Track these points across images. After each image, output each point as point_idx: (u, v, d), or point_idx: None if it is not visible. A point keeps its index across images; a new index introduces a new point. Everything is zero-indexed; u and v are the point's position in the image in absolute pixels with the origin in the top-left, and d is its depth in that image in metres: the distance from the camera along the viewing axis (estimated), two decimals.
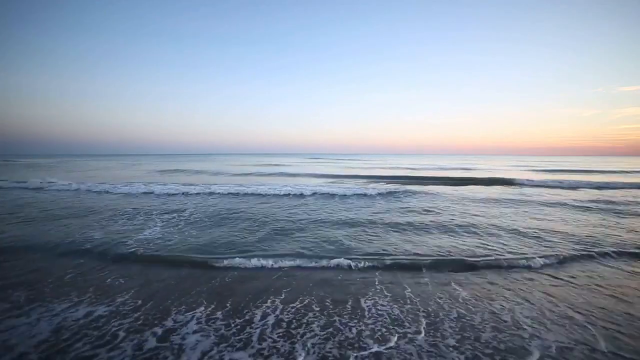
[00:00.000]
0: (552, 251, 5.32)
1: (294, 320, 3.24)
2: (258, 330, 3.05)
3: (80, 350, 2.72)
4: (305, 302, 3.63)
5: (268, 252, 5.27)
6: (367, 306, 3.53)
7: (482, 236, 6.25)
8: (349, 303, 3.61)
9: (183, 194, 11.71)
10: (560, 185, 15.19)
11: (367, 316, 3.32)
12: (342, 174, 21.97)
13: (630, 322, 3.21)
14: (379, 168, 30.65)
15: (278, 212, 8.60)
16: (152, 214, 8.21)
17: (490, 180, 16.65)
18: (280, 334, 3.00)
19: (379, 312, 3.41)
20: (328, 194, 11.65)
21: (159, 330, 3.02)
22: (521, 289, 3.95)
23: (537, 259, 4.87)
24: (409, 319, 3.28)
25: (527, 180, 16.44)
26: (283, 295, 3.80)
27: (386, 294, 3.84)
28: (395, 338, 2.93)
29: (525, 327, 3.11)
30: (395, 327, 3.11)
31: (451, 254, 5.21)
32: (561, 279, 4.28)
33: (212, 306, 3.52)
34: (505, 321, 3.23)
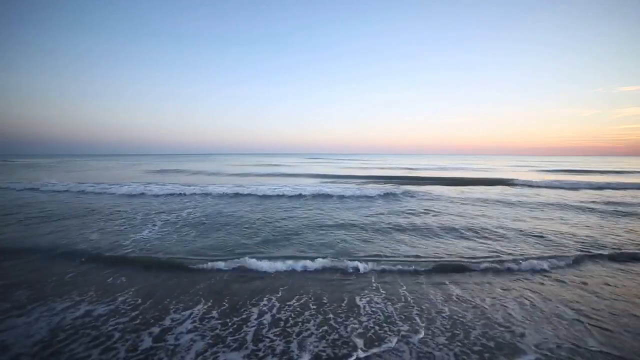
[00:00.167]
0: (551, 252, 5.32)
1: (290, 319, 3.28)
2: (253, 329, 3.08)
3: (78, 349, 2.77)
4: (302, 301, 3.67)
5: (266, 253, 5.27)
6: (362, 304, 3.58)
7: (481, 237, 6.26)
8: (345, 302, 3.65)
9: (180, 194, 11.70)
10: (560, 186, 15.15)
11: (363, 313, 3.37)
12: (341, 174, 22.00)
13: (630, 322, 3.24)
14: (379, 168, 30.69)
15: (276, 213, 8.61)
16: (149, 215, 8.24)
17: (490, 180, 16.67)
18: (277, 333, 3.03)
19: (373, 310, 3.45)
20: (326, 194, 11.62)
21: (156, 330, 3.06)
22: (517, 289, 3.98)
23: (534, 260, 4.88)
24: (403, 317, 3.31)
25: (527, 180, 16.45)
26: (280, 293, 3.85)
27: (383, 294, 3.87)
28: (395, 340, 2.96)
29: (517, 324, 3.15)
30: (390, 326, 3.14)
31: (449, 255, 5.22)
32: (559, 280, 4.29)
33: (210, 305, 3.55)
34: (503, 323, 3.26)
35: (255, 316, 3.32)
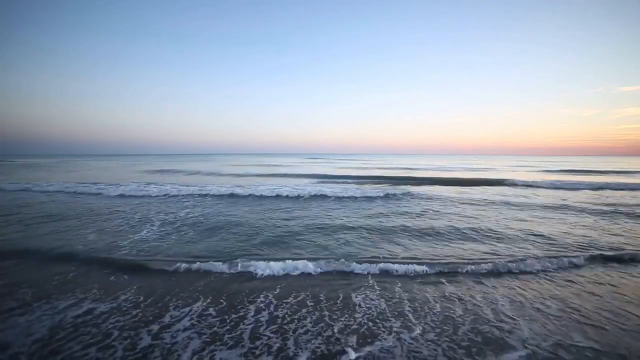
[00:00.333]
0: (548, 253, 5.33)
1: (287, 315, 3.33)
2: (251, 327, 3.14)
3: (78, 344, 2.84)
4: (299, 298, 3.72)
5: (263, 255, 5.22)
6: (358, 301, 3.64)
7: (478, 238, 6.25)
8: (341, 300, 3.70)
9: (178, 195, 11.66)
10: (560, 186, 15.14)
11: (359, 311, 3.43)
12: (340, 174, 21.98)
13: (620, 320, 3.30)
14: (378, 168, 30.67)
15: (274, 214, 8.59)
16: (148, 216, 8.27)
17: (489, 181, 16.63)
18: (274, 330, 3.09)
19: (370, 310, 3.50)
20: (325, 195, 11.59)
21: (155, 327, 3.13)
22: (514, 290, 4.01)
23: (530, 260, 4.89)
24: (400, 317, 3.35)
25: (526, 181, 16.45)
26: (277, 291, 3.91)
27: (381, 296, 3.88)
28: (391, 337, 3.01)
29: (513, 324, 3.20)
30: (383, 322, 3.19)
31: (447, 256, 5.21)
32: (554, 281, 4.32)
33: (208, 304, 3.61)
34: (502, 323, 3.30)
35: (252, 313, 3.38)
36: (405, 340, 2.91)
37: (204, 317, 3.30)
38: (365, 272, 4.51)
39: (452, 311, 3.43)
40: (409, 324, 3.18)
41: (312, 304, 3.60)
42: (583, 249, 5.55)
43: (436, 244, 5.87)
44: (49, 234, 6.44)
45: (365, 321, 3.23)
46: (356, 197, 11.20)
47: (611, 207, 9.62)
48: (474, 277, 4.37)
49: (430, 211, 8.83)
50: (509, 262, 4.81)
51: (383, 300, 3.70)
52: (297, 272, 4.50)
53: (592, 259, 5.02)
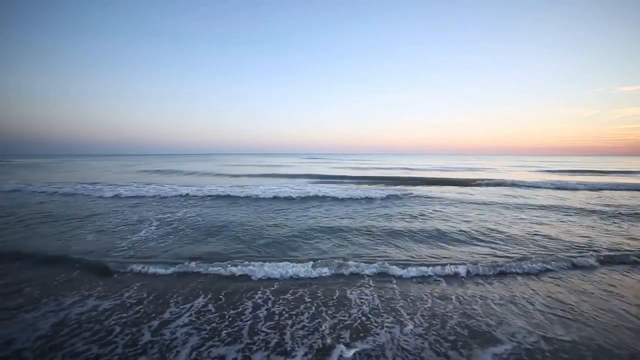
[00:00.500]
0: (543, 254, 5.30)
1: (285, 312, 3.39)
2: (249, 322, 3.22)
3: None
4: (297, 295, 3.78)
5: (259, 257, 5.15)
6: (353, 296, 3.71)
7: (475, 239, 6.21)
8: (336, 299, 3.77)
9: (176, 196, 11.53)
10: (560, 187, 15.13)
11: (354, 307, 3.50)
12: (339, 175, 21.98)
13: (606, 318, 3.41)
14: (378, 169, 30.68)
15: (272, 215, 8.50)
16: (145, 217, 8.26)
17: (489, 181, 16.58)
18: (271, 326, 3.16)
19: (367, 312, 3.56)
20: (323, 196, 11.52)
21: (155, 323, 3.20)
22: (511, 290, 4.04)
23: (525, 261, 4.88)
24: (392, 314, 3.43)
25: (526, 181, 16.47)
26: (274, 294, 3.93)
27: (377, 297, 3.92)
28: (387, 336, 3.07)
29: (508, 324, 3.29)
30: (376, 318, 3.28)
31: (444, 257, 5.19)
32: (546, 281, 4.33)
33: (208, 302, 3.68)
34: (497, 324, 3.41)
35: (250, 308, 3.44)
36: (399, 339, 2.97)
37: (202, 314, 3.36)
38: (363, 273, 4.46)
39: (451, 312, 3.44)
40: (405, 323, 3.23)
41: (309, 304, 3.62)
42: (581, 249, 5.55)
43: (435, 245, 5.88)
44: (48, 234, 6.46)
45: (360, 316, 3.30)
46: (355, 198, 11.16)
47: (610, 207, 9.64)
48: (473, 279, 4.35)
49: (429, 212, 8.84)
50: (507, 263, 4.81)
51: (378, 300, 3.72)
52: (290, 275, 4.38)
53: (584, 261, 4.98)
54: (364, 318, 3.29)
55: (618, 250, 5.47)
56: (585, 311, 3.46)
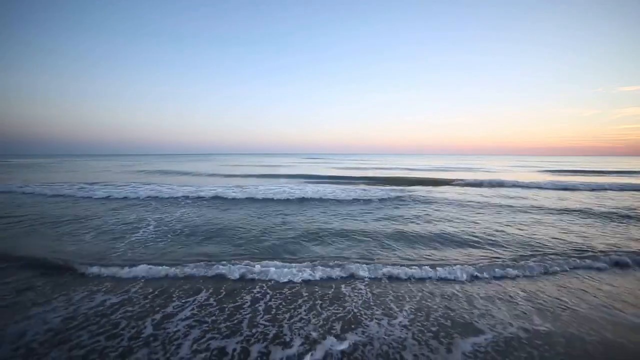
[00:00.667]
0: (545, 254, 5.33)
1: (282, 306, 3.54)
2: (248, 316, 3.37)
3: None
4: (296, 296, 3.93)
5: (257, 259, 5.12)
6: (349, 297, 3.87)
7: (472, 240, 6.22)
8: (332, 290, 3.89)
9: (175, 196, 11.46)
10: (560, 187, 15.13)
11: (347, 305, 3.66)
12: (338, 175, 22.02)
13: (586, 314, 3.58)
14: (378, 169, 30.73)
15: (269, 217, 8.41)
16: (143, 217, 8.32)
17: (489, 182, 16.59)
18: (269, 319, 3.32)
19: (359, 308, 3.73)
20: (322, 196, 11.50)
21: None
22: (506, 291, 4.08)
23: (525, 261, 4.92)
24: (387, 313, 3.58)
25: (525, 181, 16.48)
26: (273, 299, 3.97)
27: (374, 298, 3.96)
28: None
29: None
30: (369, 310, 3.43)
31: (443, 258, 5.22)
32: (535, 281, 4.39)
33: (207, 302, 3.82)
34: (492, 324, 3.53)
35: (248, 304, 3.59)
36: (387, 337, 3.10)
37: (204, 307, 3.53)
38: (362, 273, 4.49)
39: (450, 313, 3.49)
40: (397, 318, 3.34)
41: (307, 305, 3.67)
42: (579, 249, 5.59)
43: (434, 245, 5.89)
44: (50, 235, 6.57)
45: (352, 310, 3.45)
46: (354, 198, 11.15)
47: (610, 208, 9.65)
48: (471, 280, 4.37)
49: (428, 212, 8.88)
50: (506, 263, 4.85)
51: (372, 299, 3.78)
52: (289, 276, 4.36)
53: (587, 260, 5.03)
54: (356, 311, 3.45)
55: (615, 251, 5.47)
56: (582, 312, 3.51)
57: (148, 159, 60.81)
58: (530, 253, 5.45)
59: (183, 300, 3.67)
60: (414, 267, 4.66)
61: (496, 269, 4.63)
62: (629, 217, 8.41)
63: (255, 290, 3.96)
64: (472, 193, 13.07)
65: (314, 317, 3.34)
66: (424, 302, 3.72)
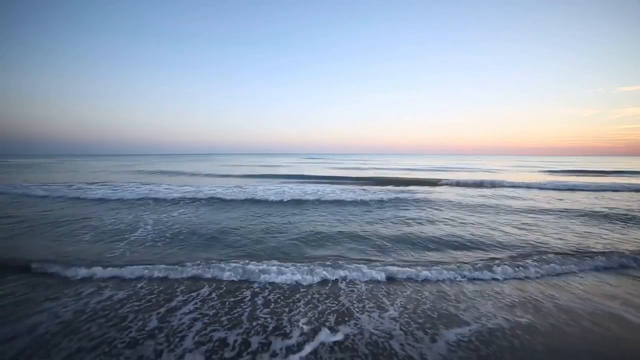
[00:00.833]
0: (542, 254, 5.35)
1: (280, 301, 3.67)
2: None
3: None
4: (295, 297, 4.04)
5: (251, 262, 5.01)
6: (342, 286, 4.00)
7: (474, 241, 6.23)
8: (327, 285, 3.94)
9: (173, 197, 11.39)
10: (559, 187, 15.16)
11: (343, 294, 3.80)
12: (337, 175, 22.04)
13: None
14: (378, 169, 30.79)
15: (268, 218, 8.37)
16: (140, 218, 8.31)
17: (488, 182, 16.64)
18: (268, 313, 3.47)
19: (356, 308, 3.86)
20: (320, 197, 11.40)
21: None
22: (505, 292, 4.10)
23: (522, 262, 4.95)
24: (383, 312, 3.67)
25: (525, 182, 16.49)
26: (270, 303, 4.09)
27: (371, 298, 3.93)
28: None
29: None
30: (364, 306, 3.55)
31: (441, 259, 5.24)
32: (549, 284, 4.37)
33: (207, 302, 3.96)
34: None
35: (248, 312, 3.68)
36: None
37: (206, 301, 3.64)
38: (361, 274, 4.48)
39: (449, 314, 3.52)
40: (392, 324, 3.31)
41: (305, 305, 3.68)
42: (575, 251, 5.59)
43: (434, 246, 5.94)
44: (53, 236, 6.66)
45: (348, 306, 3.58)
46: (353, 199, 11.08)
47: (610, 208, 9.64)
48: (469, 281, 4.39)
49: (428, 212, 8.90)
50: (505, 264, 4.83)
51: (369, 299, 3.82)
52: (286, 278, 4.34)
53: (584, 261, 5.05)
54: (350, 307, 3.58)
55: (613, 252, 5.46)
56: (582, 312, 3.54)
57: (148, 159, 60.89)
58: (529, 253, 5.47)
59: (186, 296, 3.82)
60: (414, 267, 4.67)
61: (495, 269, 4.65)
62: (628, 217, 8.46)
63: (254, 291, 3.96)
64: (472, 193, 13.17)
65: (313, 317, 3.41)
66: (423, 302, 3.77)
